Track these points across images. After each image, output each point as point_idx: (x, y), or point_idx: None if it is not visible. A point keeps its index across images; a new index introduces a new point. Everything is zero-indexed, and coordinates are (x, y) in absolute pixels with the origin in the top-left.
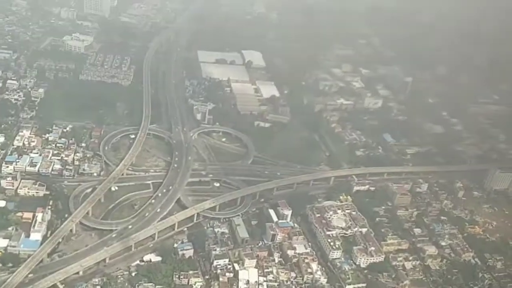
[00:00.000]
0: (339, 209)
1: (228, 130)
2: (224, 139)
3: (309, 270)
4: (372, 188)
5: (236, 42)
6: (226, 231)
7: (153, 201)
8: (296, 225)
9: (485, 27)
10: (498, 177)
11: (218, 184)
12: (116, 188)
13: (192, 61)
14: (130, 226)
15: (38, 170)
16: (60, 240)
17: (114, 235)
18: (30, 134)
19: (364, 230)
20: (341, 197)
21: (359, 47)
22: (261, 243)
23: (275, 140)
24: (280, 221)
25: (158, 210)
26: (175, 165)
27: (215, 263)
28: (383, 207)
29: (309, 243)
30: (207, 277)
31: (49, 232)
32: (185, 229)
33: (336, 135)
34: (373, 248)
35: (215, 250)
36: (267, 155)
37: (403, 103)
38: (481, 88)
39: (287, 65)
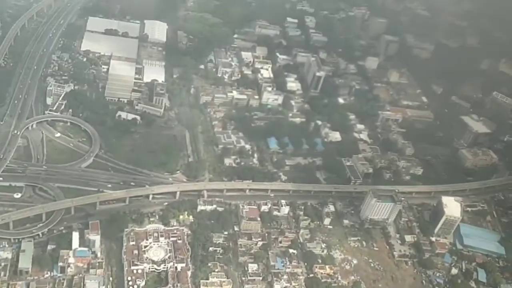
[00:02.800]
0: (162, 235)
1: (76, 121)
2: (59, 134)
3: None
4: (221, 209)
5: (146, 10)
6: (10, 256)
7: None
8: (100, 254)
9: (439, 20)
10: (375, 205)
11: (18, 195)
12: None
13: (79, 29)
14: None
15: None
16: None
17: None
18: None
19: (181, 265)
20: (181, 217)
21: (288, 26)
22: (48, 274)
23: (133, 138)
24: (79, 248)
25: None
26: None
27: None
28: (226, 233)
29: (111, 279)
30: None
31: None
32: None
33: (212, 137)
34: None
35: None
36: (115, 156)
37: (308, 102)
38: (412, 88)
39: (193, 42)
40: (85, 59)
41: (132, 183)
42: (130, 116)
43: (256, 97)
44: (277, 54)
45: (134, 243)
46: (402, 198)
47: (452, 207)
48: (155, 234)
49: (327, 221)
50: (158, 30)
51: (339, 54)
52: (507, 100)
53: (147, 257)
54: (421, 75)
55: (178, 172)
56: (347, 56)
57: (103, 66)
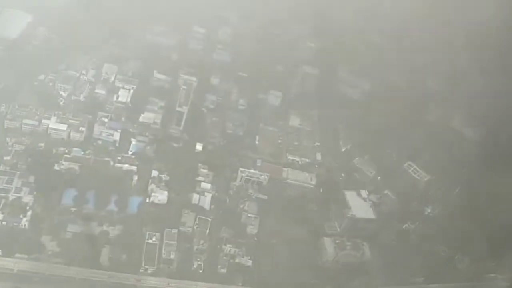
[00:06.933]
0: None
1: None
2: None
3: None
4: None
5: None
6: None
7: None
8: None
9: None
10: None
11: None
12: None
13: None
14: None
15: None
16: None
17: None
18: None
19: None
20: None
21: (191, 37)
22: None
23: None
24: None
25: None
26: None
27: None
28: None
29: None
30: None
31: None
32: None
33: None
34: None
35: None
36: None
37: (156, 142)
38: (311, 139)
39: (50, 44)
40: None
41: None
42: None
43: (82, 128)
44: (154, 71)
45: None
46: None
47: None
48: None
49: None
50: (13, 24)
51: (238, 80)
52: (418, 176)
53: None
54: (335, 123)
55: None
56: (249, 85)
57: None
